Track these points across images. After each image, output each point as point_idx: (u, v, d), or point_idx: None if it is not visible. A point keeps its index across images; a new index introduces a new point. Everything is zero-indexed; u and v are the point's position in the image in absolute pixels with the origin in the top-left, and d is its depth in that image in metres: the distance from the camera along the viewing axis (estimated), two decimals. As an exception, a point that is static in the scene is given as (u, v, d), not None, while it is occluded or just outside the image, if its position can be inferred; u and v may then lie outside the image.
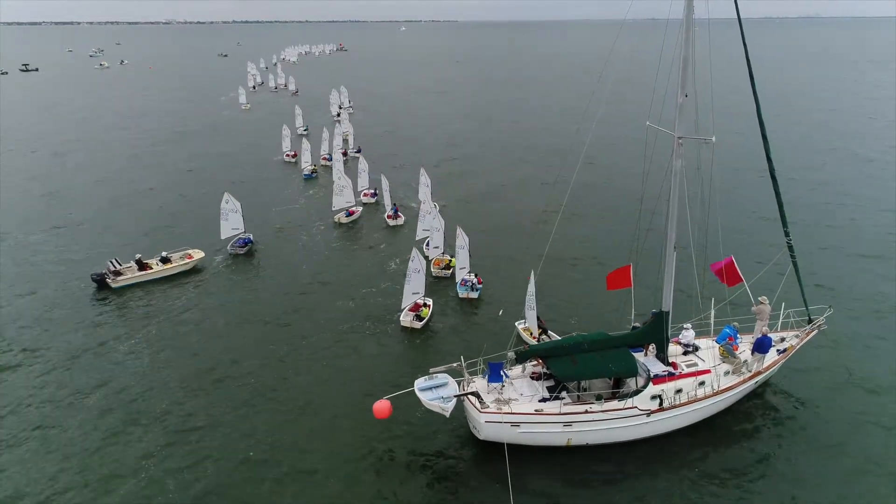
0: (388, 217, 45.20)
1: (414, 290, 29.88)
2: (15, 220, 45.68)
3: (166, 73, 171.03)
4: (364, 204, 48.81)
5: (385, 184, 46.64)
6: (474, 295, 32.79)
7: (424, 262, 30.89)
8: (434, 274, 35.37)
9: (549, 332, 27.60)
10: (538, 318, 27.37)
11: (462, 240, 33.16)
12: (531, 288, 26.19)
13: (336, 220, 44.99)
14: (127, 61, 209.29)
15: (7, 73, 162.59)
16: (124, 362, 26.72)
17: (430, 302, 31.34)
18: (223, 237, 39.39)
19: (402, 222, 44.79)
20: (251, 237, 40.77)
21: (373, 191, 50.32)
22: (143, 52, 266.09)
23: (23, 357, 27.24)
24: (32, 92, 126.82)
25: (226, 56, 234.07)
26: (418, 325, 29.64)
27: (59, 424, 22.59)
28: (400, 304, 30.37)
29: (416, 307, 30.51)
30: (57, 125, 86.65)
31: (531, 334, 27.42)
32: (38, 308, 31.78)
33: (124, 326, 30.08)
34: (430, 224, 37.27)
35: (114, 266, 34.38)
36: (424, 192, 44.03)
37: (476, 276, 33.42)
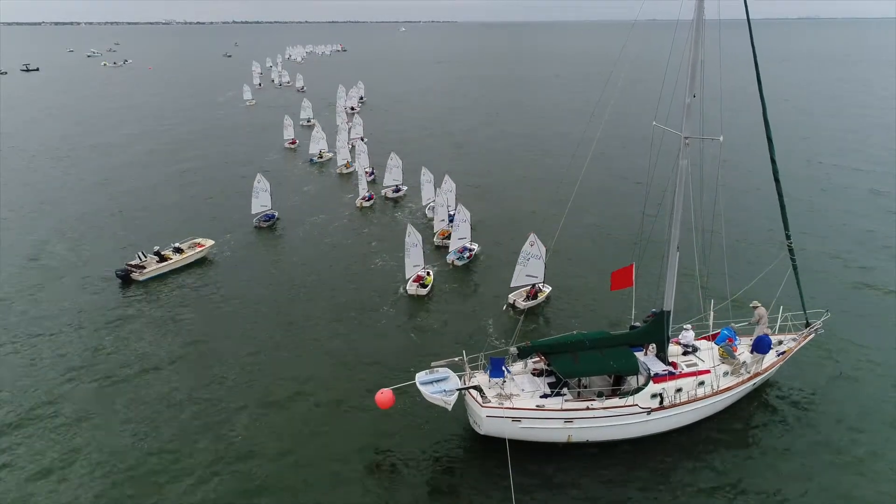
0: (388, 192, 50.28)
1: (414, 262, 32.65)
2: (24, 220, 45.79)
3: (171, 73, 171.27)
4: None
5: (397, 161, 50.25)
6: (459, 263, 36.36)
7: (420, 236, 33.28)
8: (436, 243, 39.20)
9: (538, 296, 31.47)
10: (534, 287, 31.11)
11: (464, 214, 36.55)
12: (529, 249, 30.06)
13: (357, 204, 48.56)
14: (131, 60, 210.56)
15: (7, 73, 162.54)
16: (143, 355, 27.04)
17: (431, 271, 34.32)
18: (253, 212, 44.09)
19: (401, 195, 50.31)
20: (276, 213, 45.19)
21: (370, 170, 54.36)
22: (145, 53, 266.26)
23: (58, 356, 27.29)
24: (35, 92, 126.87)
25: (230, 56, 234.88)
26: (423, 292, 32.60)
27: (92, 417, 22.87)
28: (405, 276, 33.21)
29: (418, 278, 33.17)
30: (59, 125, 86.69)
31: (525, 296, 31.25)
32: (65, 306, 31.91)
33: (152, 319, 30.67)
34: (438, 202, 41.28)
35: (140, 259, 35.31)
36: (449, 196, 43.35)
37: (471, 245, 37.40)
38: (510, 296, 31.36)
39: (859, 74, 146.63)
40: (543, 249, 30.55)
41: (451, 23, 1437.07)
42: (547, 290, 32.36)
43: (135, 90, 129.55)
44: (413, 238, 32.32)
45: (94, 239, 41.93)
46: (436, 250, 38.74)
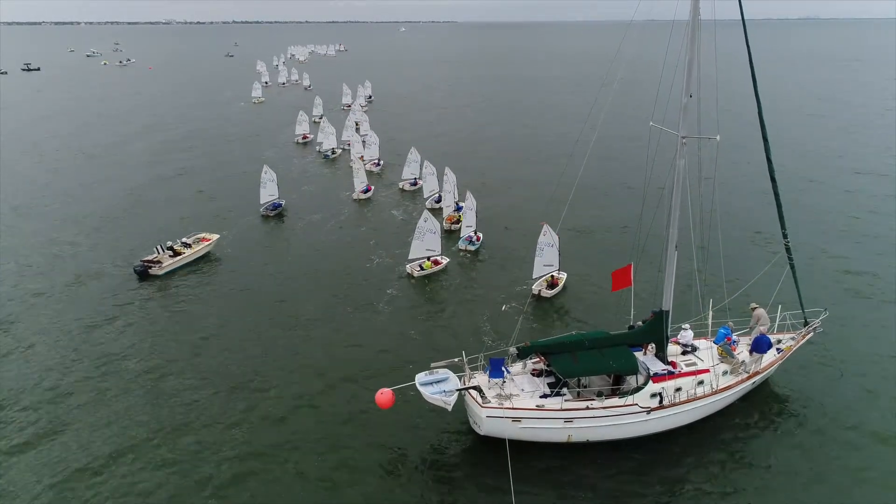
0: (405, 185, 52.35)
1: (428, 247, 34.47)
2: (27, 220, 45.81)
3: (173, 73, 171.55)
4: (371, 173, 56.20)
5: (416, 155, 52.17)
6: (472, 248, 38.51)
7: (438, 223, 35.15)
8: (444, 228, 41.02)
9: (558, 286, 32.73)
10: (552, 276, 32.64)
11: (471, 202, 38.44)
12: (543, 238, 31.39)
13: (355, 197, 50.24)
14: (134, 60, 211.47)
15: (7, 73, 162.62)
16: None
17: (442, 260, 35.83)
18: (262, 202, 46.17)
19: (417, 188, 51.58)
20: (283, 202, 47.45)
21: (376, 160, 58.71)
22: (146, 53, 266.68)
23: (96, 355, 27.46)
24: (36, 91, 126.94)
25: (231, 56, 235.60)
26: (420, 273, 34.60)
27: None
28: (408, 257, 35.02)
29: (436, 262, 35.37)
30: (62, 124, 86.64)
31: (546, 285, 32.49)
32: (90, 304, 32.15)
33: (166, 315, 31.20)
34: (446, 189, 44.32)
35: (157, 253, 36.43)
36: (451, 188, 45.24)
37: (476, 233, 39.01)
38: (533, 286, 32.45)
39: (859, 75, 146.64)
40: (556, 238, 31.56)
41: (451, 23, 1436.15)
42: (563, 276, 33.44)
43: (136, 90, 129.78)
44: (430, 224, 34.24)
45: (102, 236, 42.23)
46: (446, 235, 40.56)
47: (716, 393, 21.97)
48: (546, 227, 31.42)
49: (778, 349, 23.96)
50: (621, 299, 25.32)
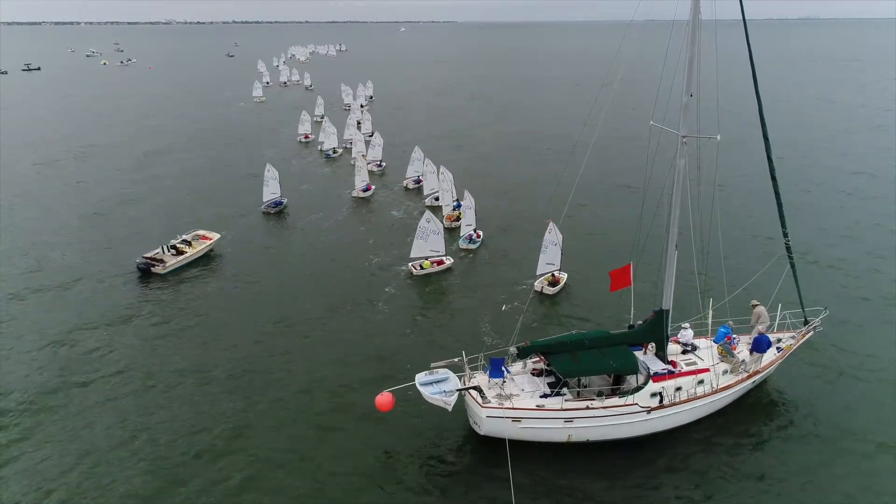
0: (409, 183, 52.67)
1: (432, 247, 34.55)
2: (31, 219, 45.78)
3: (174, 73, 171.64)
4: (372, 173, 56.57)
5: (419, 153, 52.24)
6: (473, 246, 38.91)
7: (440, 224, 35.42)
8: (445, 226, 40.48)
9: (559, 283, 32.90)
10: (553, 275, 32.81)
11: (469, 201, 38.96)
12: (548, 236, 31.75)
13: (355, 194, 50.53)
14: (135, 60, 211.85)
15: (7, 72, 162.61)
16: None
17: (446, 261, 35.72)
18: (264, 200, 46.82)
19: (420, 186, 51.04)
20: (284, 200, 47.81)
21: (378, 161, 59.47)
22: (146, 53, 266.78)
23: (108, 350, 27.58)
24: (37, 91, 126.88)
25: (232, 56, 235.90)
26: (420, 272, 34.75)
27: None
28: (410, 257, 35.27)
29: (439, 262, 35.45)
30: (63, 124, 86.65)
31: (548, 283, 32.71)
32: (90, 304, 32.17)
33: (168, 316, 31.16)
34: (443, 188, 44.66)
35: (163, 252, 36.68)
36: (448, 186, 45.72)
37: (476, 231, 39.66)
38: (536, 283, 32.68)
39: (859, 75, 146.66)
40: (560, 237, 31.79)
41: (451, 23, 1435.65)
42: (564, 276, 33.60)
43: (137, 90, 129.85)
44: (434, 224, 34.43)
45: (102, 236, 42.23)
46: (447, 234, 40.22)
47: (716, 392, 21.98)
48: (551, 225, 31.65)
49: (778, 348, 23.99)
50: (621, 299, 25.31)
